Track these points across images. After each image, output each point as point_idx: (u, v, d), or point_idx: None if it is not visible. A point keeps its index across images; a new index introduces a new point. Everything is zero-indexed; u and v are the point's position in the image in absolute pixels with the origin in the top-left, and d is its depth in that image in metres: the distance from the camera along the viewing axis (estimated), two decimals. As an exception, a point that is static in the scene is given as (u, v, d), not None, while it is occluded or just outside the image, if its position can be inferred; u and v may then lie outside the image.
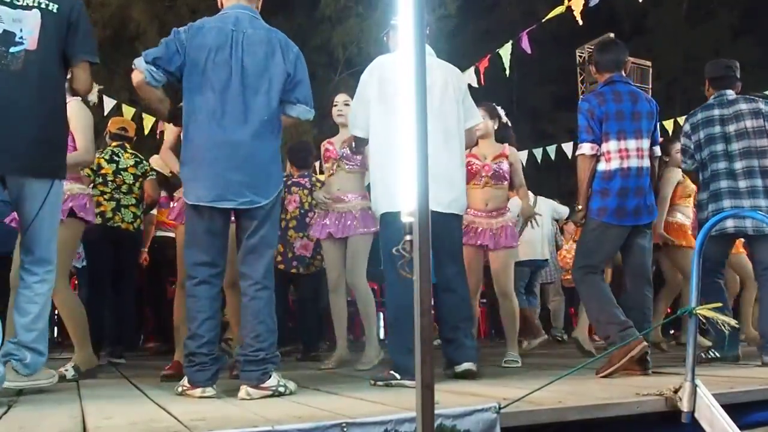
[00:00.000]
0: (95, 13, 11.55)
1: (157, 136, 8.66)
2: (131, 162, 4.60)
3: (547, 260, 5.94)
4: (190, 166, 2.52)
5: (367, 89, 2.99)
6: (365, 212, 3.84)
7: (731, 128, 3.68)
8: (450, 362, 2.99)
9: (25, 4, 2.45)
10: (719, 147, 3.69)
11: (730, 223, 3.58)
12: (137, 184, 4.60)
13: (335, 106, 4.09)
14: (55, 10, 2.49)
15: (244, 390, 2.38)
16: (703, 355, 3.65)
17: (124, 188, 4.54)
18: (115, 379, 3.26)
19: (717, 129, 3.71)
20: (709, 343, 4.86)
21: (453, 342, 2.98)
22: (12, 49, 2.39)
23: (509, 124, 4.28)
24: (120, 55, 12.09)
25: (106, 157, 4.52)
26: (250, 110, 2.51)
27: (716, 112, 3.74)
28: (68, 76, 2.66)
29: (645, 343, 2.96)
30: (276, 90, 2.58)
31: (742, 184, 3.60)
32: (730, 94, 3.78)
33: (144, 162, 4.71)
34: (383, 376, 2.78)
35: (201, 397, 2.36)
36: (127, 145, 4.69)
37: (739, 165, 3.63)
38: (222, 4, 2.72)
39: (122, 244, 4.57)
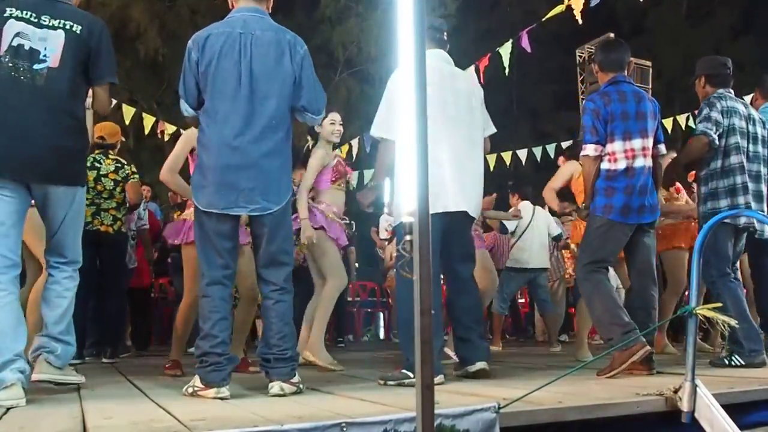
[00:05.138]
0: (95, 14, 11.51)
1: (158, 136, 8.66)
2: (112, 168, 4.75)
3: (544, 269, 5.92)
4: (202, 172, 2.53)
5: (397, 93, 2.90)
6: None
7: (750, 128, 3.61)
8: (463, 361, 3.02)
9: (51, 24, 2.60)
10: (743, 143, 3.57)
11: (743, 219, 3.50)
12: (118, 189, 4.76)
13: (333, 124, 3.89)
14: (78, 32, 2.63)
15: (277, 386, 2.44)
16: (726, 361, 3.46)
17: (105, 194, 4.71)
18: (115, 379, 3.26)
19: (743, 124, 3.59)
20: (710, 348, 4.84)
21: (467, 342, 3.02)
22: (36, 66, 2.54)
23: None
24: (120, 55, 12.04)
25: (87, 164, 4.51)
26: (260, 115, 2.50)
27: (741, 108, 3.62)
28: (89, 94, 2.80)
29: (648, 347, 2.94)
30: (285, 94, 2.56)
31: (752, 186, 3.56)
32: (731, 93, 3.67)
33: (125, 166, 4.82)
34: (394, 375, 2.78)
35: (215, 398, 2.34)
36: (111, 152, 4.82)
37: (754, 167, 3.60)
38: (232, 5, 2.67)
39: (103, 246, 4.71)
